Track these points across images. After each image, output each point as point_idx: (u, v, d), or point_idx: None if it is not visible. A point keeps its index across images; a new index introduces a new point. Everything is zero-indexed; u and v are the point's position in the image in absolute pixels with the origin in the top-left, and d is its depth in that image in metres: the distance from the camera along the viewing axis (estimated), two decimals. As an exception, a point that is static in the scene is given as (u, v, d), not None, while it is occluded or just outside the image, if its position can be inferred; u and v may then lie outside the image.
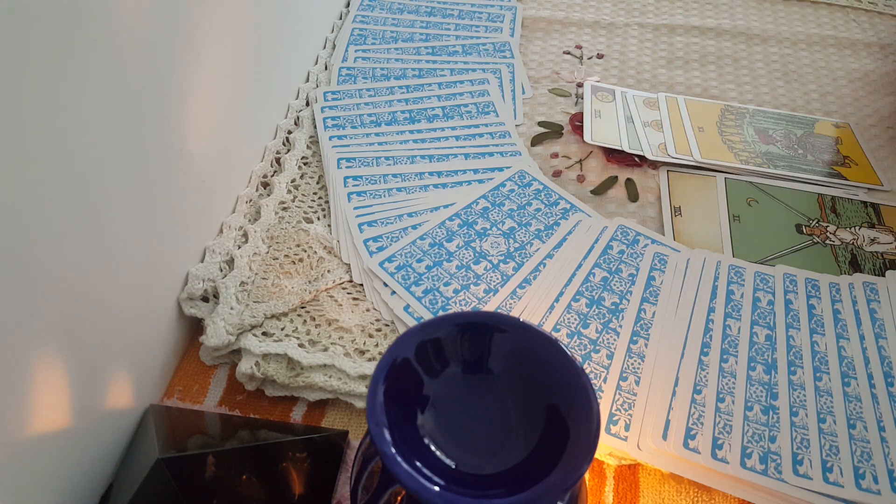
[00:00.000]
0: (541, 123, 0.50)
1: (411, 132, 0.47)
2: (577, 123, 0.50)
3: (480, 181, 0.44)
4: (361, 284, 0.38)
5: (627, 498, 0.31)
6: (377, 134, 0.47)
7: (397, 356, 0.23)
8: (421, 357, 0.24)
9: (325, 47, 0.56)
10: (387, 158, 0.45)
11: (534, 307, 0.36)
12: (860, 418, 0.32)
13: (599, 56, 0.58)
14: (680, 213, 0.43)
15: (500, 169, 0.45)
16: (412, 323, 0.35)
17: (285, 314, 0.35)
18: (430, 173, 0.44)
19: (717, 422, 0.32)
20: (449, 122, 0.48)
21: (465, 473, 0.22)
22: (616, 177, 0.46)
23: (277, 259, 0.38)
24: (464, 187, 0.43)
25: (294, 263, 0.38)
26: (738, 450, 0.31)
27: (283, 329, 0.35)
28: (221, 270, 0.37)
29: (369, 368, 0.33)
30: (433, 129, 0.48)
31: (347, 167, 0.44)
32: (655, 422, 0.32)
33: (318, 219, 0.41)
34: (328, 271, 0.38)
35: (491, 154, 0.46)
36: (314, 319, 0.36)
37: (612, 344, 0.35)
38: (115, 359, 0.29)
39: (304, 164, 0.45)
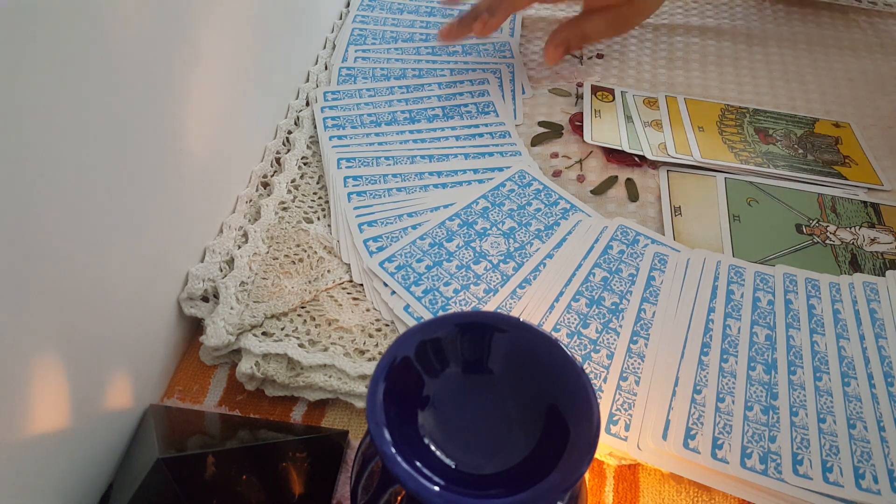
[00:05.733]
0: (541, 123, 0.50)
1: (411, 132, 0.47)
2: (577, 123, 0.50)
3: (480, 181, 0.44)
4: (361, 284, 0.38)
5: (627, 498, 0.31)
6: (377, 134, 0.47)
7: (397, 356, 0.23)
8: (421, 357, 0.24)
9: (325, 47, 0.56)
10: (387, 158, 0.45)
11: (534, 307, 0.36)
12: (860, 418, 0.32)
13: (599, 56, 0.58)
14: (680, 213, 0.43)
15: (500, 169, 0.45)
16: (412, 323, 0.35)
17: (285, 314, 0.35)
18: (430, 173, 0.44)
19: (717, 422, 0.32)
20: (449, 122, 0.48)
21: (465, 473, 0.22)
22: (616, 177, 0.46)
23: (277, 259, 0.38)
24: (464, 187, 0.43)
25: (294, 263, 0.38)
26: (738, 450, 0.31)
27: (283, 329, 0.35)
28: (221, 270, 0.37)
29: (369, 368, 0.33)
30: (433, 129, 0.48)
31: (347, 167, 0.44)
32: (655, 422, 0.32)
33: (318, 219, 0.41)
34: (328, 271, 0.38)
35: (491, 154, 0.46)
36: (314, 319, 0.36)
37: (612, 344, 0.35)
38: (114, 359, 0.29)
39: (304, 164, 0.45)
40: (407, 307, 0.36)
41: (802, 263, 0.40)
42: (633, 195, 0.45)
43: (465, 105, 0.50)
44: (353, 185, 0.43)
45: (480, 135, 0.48)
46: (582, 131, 0.49)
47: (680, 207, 0.43)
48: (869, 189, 0.46)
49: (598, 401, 0.23)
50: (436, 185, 0.43)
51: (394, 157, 0.45)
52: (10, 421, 0.23)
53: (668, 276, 0.38)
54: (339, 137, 0.46)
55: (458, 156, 0.46)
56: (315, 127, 0.47)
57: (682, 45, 0.60)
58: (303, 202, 0.42)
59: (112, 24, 0.26)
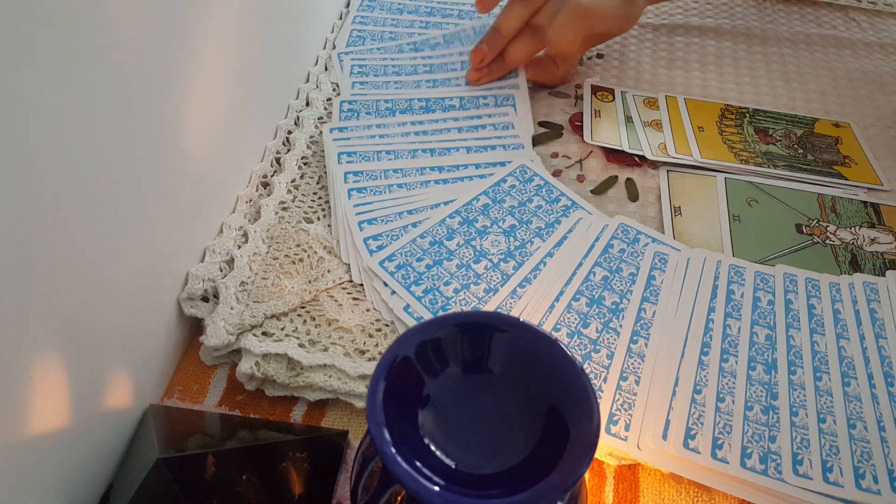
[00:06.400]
0: (541, 123, 0.50)
1: (412, 123, 0.47)
2: (577, 123, 0.50)
3: (482, 176, 0.44)
4: (361, 284, 0.38)
5: (627, 498, 0.31)
6: (378, 126, 0.47)
7: (397, 356, 0.23)
8: (421, 357, 0.24)
9: (325, 47, 0.56)
10: (388, 153, 0.45)
11: (534, 307, 0.36)
12: (860, 418, 0.32)
13: (599, 56, 0.58)
14: (680, 213, 0.43)
15: (502, 164, 0.45)
16: (412, 323, 0.35)
17: (285, 314, 0.35)
18: (432, 168, 0.44)
19: (717, 422, 0.32)
20: (451, 114, 0.48)
21: (465, 473, 0.22)
22: (616, 176, 0.46)
23: (277, 259, 0.38)
24: (465, 183, 0.43)
25: (294, 263, 0.38)
26: (738, 450, 0.31)
27: (283, 329, 0.35)
28: (221, 270, 0.37)
29: (369, 368, 0.33)
30: (435, 119, 0.48)
31: (348, 162, 0.44)
32: (655, 422, 0.32)
33: (318, 219, 0.41)
34: (328, 271, 0.38)
35: (493, 147, 0.46)
36: (314, 319, 0.36)
37: (612, 344, 0.35)
38: (114, 359, 0.29)
39: (304, 164, 0.45)
40: (407, 307, 0.36)
41: (802, 263, 0.40)
42: (633, 195, 0.45)
43: (484, 108, 0.50)
44: (354, 182, 0.42)
45: (483, 126, 0.47)
46: (582, 131, 0.49)
47: (680, 207, 0.43)
48: (869, 189, 0.46)
49: (598, 401, 0.23)
50: (437, 181, 0.43)
51: (395, 151, 0.45)
52: (11, 421, 0.23)
53: (668, 275, 0.38)
54: (340, 129, 0.46)
55: (460, 149, 0.45)
56: (315, 127, 0.47)
57: (682, 45, 0.60)
58: (303, 202, 0.42)
59: (113, 25, 0.26)
